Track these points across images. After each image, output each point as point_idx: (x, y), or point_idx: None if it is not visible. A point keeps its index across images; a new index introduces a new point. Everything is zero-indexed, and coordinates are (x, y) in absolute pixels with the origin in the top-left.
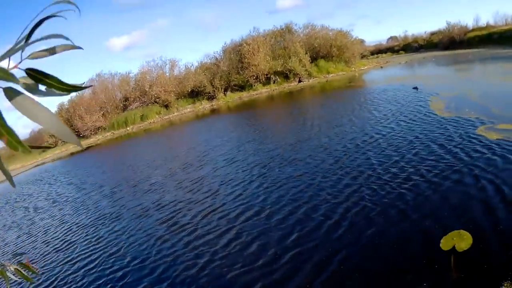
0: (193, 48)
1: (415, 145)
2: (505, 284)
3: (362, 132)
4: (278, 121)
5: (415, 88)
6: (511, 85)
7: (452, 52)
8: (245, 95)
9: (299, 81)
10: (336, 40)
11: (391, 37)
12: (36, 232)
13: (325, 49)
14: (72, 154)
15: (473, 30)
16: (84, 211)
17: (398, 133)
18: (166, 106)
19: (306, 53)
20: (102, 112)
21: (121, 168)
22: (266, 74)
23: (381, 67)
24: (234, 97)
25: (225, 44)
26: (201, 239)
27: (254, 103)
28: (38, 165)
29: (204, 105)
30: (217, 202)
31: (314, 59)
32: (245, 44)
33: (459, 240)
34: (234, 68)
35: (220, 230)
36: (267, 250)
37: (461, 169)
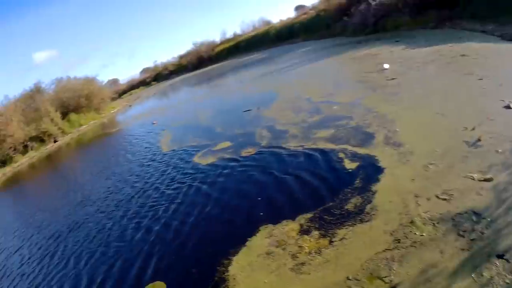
0: None
1: (127, 194)
2: None
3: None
4: (48, 192)
5: (153, 123)
6: (235, 97)
7: (200, 71)
8: (8, 170)
9: (55, 141)
10: (83, 89)
11: (143, 70)
12: None
13: (74, 101)
14: None
15: (221, 43)
16: None
17: (129, 178)
18: None
19: (57, 111)
20: None
21: None
22: (23, 142)
23: (130, 105)
24: None
25: None
26: None
27: (17, 177)
28: None
29: None
30: None
31: (65, 114)
32: None
33: None
34: None
35: None
36: None
37: (157, 212)
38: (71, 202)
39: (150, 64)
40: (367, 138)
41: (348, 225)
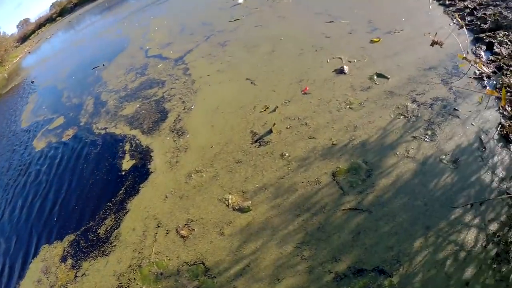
0: None
1: None
2: None
3: None
4: None
5: (32, 82)
6: (102, 42)
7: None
8: None
9: None
10: None
11: (52, 4)
12: None
13: None
14: None
15: None
16: None
17: None
18: None
19: None
20: None
21: None
22: None
23: (29, 52)
24: None
25: None
26: None
27: None
28: None
29: None
30: None
31: None
32: None
33: None
34: None
35: None
36: None
37: None
38: None
39: None
40: (159, 120)
41: (92, 256)
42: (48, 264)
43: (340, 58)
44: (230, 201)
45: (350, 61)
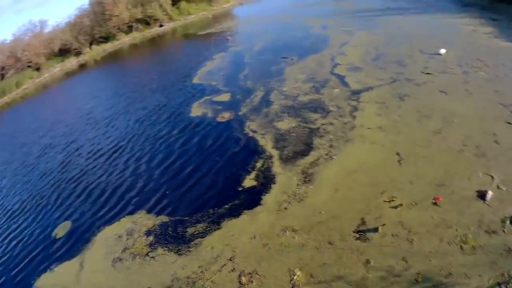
0: None
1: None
2: None
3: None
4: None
5: (227, 39)
6: (305, 31)
7: None
8: (109, 46)
9: (160, 26)
10: None
11: None
12: None
13: None
14: None
15: None
16: None
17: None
18: (38, 69)
19: None
20: None
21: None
22: (127, 23)
23: (241, 3)
24: (99, 50)
25: None
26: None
27: (119, 53)
28: None
29: (71, 62)
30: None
31: (177, 1)
32: None
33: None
34: (98, 21)
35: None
36: None
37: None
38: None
39: None
40: (301, 153)
41: (169, 248)
42: (134, 228)
43: (492, 178)
44: (295, 277)
45: (499, 187)
